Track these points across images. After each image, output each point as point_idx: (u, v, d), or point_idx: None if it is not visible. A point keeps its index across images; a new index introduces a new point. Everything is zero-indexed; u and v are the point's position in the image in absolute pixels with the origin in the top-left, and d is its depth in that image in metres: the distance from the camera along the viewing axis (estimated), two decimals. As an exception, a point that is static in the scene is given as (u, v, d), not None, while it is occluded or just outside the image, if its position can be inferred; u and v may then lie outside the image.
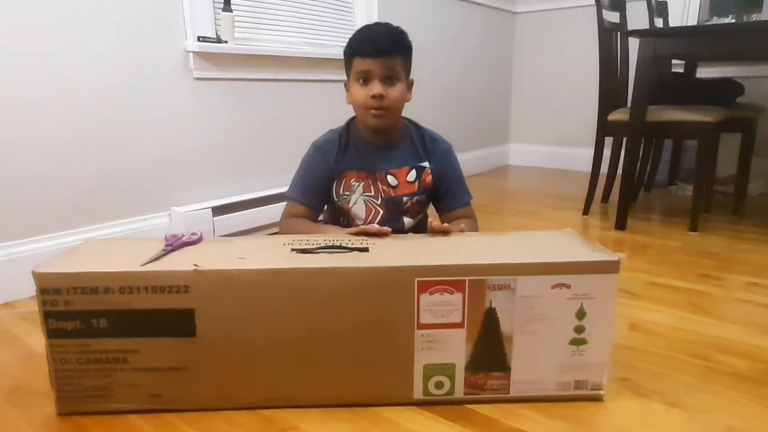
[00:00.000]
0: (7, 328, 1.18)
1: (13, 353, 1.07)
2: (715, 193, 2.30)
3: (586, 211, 2.21)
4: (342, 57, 1.13)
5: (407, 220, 1.19)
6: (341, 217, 1.19)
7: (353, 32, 1.12)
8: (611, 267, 0.82)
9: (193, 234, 0.92)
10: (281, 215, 1.18)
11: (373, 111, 1.08)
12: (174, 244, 0.88)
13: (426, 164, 1.18)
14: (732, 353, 1.05)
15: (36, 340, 1.11)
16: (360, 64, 1.07)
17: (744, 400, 0.89)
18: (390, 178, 1.16)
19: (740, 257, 1.66)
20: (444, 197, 1.21)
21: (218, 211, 1.68)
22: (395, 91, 1.08)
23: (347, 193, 1.16)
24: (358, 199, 1.16)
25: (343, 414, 0.84)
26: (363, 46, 1.07)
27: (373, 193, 1.16)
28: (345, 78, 1.15)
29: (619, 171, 2.04)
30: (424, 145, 1.19)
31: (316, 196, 1.16)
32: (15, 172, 1.30)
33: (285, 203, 1.18)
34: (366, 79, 1.07)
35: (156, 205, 1.62)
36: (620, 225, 1.97)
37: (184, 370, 0.82)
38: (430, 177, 1.18)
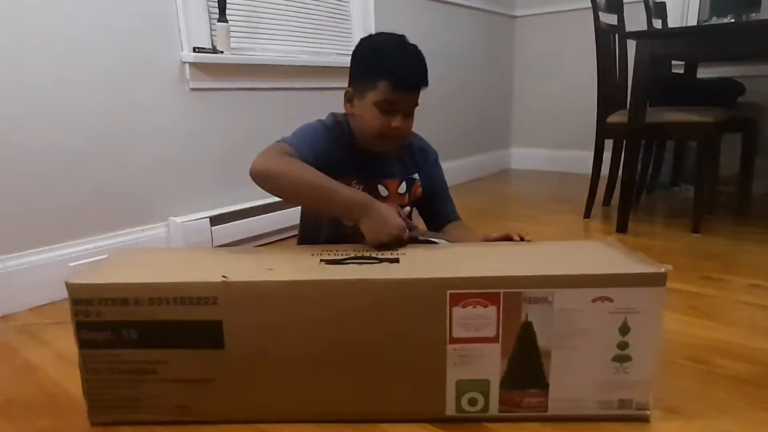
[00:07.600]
0: (4, 341, 1.18)
1: (9, 366, 1.07)
2: (719, 194, 2.28)
3: (587, 214, 2.19)
4: (339, 65, 1.06)
5: None
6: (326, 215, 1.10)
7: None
8: (657, 279, 0.77)
9: None
10: (265, 151, 0.98)
11: (389, 140, 1.01)
12: None
13: (416, 176, 1.15)
14: (732, 357, 1.03)
15: (33, 353, 1.11)
16: (388, 92, 0.97)
17: (743, 404, 0.87)
18: (380, 188, 1.10)
19: (743, 258, 1.64)
20: (436, 208, 1.18)
21: (216, 220, 1.68)
22: (412, 122, 1.03)
23: None
24: None
25: (343, 430, 0.82)
26: (399, 77, 0.96)
27: None
28: (343, 86, 1.06)
29: (620, 173, 2.02)
30: (413, 154, 1.15)
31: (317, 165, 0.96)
32: (10, 183, 1.31)
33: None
34: (390, 110, 0.98)
35: (153, 216, 1.62)
36: (621, 228, 1.95)
37: (212, 382, 0.81)
38: (420, 189, 1.15)
